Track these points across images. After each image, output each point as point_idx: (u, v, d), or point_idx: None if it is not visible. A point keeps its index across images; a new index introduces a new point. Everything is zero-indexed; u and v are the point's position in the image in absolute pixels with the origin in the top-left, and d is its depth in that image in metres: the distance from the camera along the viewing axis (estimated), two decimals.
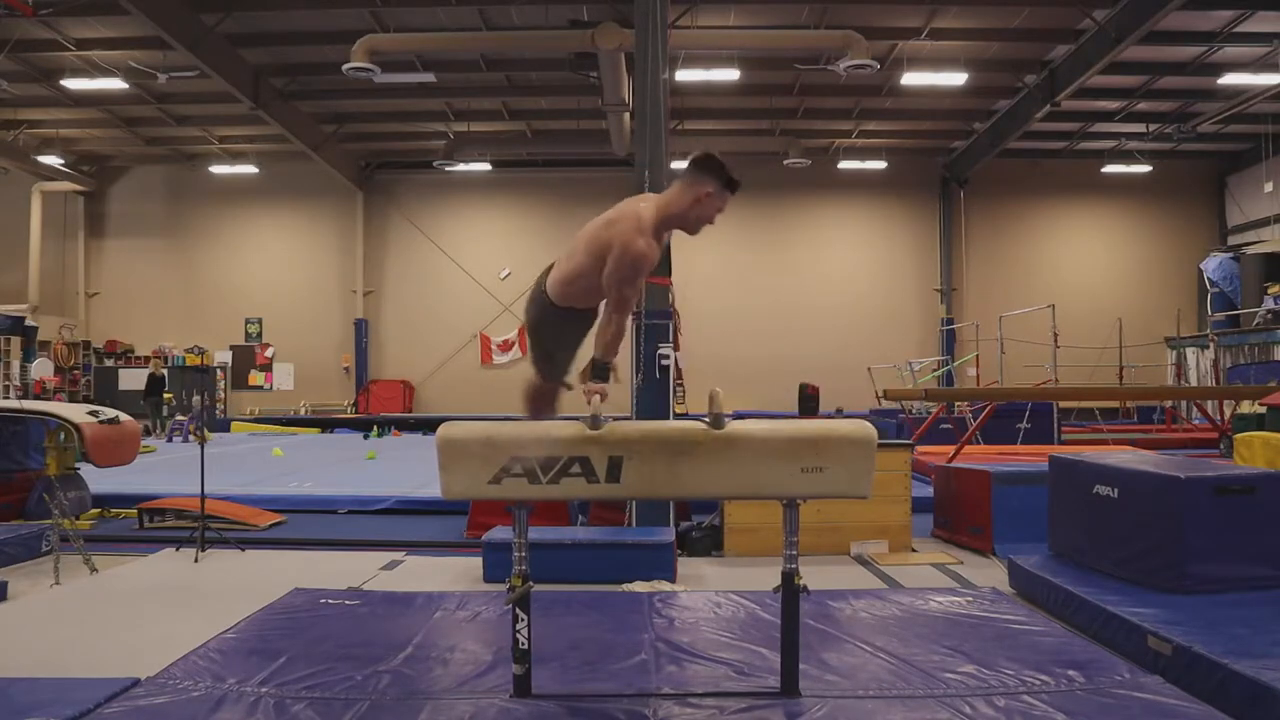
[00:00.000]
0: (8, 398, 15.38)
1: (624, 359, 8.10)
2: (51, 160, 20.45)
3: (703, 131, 19.72)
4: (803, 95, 17.86)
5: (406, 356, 22.31)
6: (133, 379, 21.86)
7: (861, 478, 3.37)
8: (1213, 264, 18.95)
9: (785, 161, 19.86)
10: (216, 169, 21.85)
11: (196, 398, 20.08)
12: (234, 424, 20.88)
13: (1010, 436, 12.33)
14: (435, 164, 20.31)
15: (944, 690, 3.51)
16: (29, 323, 18.14)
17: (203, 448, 7.28)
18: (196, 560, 6.51)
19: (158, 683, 3.55)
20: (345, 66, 13.81)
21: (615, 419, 3.41)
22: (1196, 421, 16.52)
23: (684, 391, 15.05)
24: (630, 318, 3.66)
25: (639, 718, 3.28)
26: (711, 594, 5.06)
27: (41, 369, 19.10)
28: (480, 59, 16.26)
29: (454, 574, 6.20)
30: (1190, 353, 18.42)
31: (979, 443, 10.44)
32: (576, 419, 3.32)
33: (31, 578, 6.00)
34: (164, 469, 11.92)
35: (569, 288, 3.55)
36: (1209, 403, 13.80)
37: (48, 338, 20.60)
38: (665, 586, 5.67)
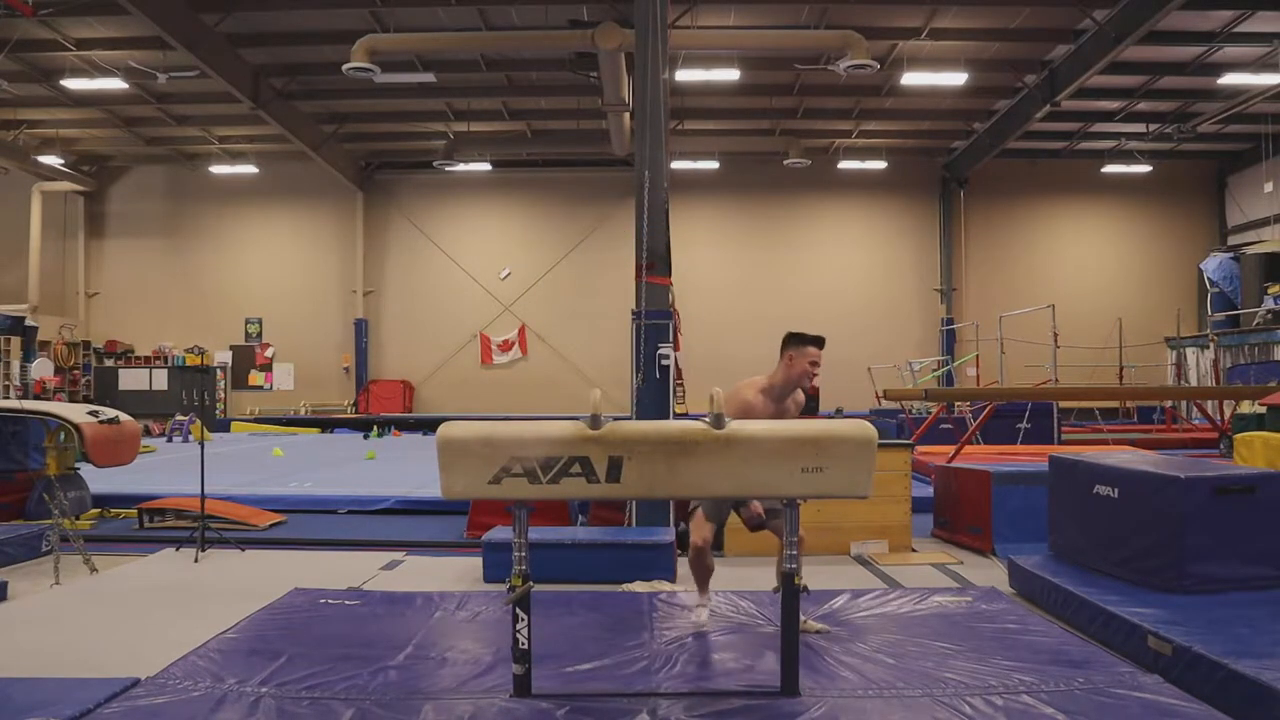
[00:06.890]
0: (8, 398, 15.35)
1: (624, 359, 8.10)
2: (51, 160, 20.43)
3: (703, 131, 19.68)
4: (803, 95, 17.84)
5: (406, 356, 22.31)
6: (133, 379, 21.91)
7: (861, 478, 3.38)
8: (1213, 264, 18.93)
9: (785, 161, 19.81)
10: (216, 169, 21.83)
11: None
12: (234, 424, 20.90)
13: (1010, 436, 12.34)
14: (435, 164, 20.29)
15: (944, 690, 3.52)
16: (29, 323, 18.05)
17: (203, 448, 7.29)
18: (196, 560, 6.51)
19: (158, 683, 3.56)
20: (345, 66, 13.80)
21: (615, 419, 3.41)
22: (1196, 421, 16.51)
23: (684, 391, 15.07)
24: None
25: (639, 718, 3.28)
26: (711, 594, 5.05)
27: (41, 369, 19.05)
28: (480, 59, 16.25)
29: (454, 574, 6.20)
30: (1190, 353, 18.39)
31: (979, 443, 10.44)
32: (576, 419, 3.32)
33: (31, 578, 6.00)
34: (164, 469, 11.92)
35: None
36: (1209, 403, 13.79)
37: (48, 338, 20.57)
38: (665, 586, 5.67)
